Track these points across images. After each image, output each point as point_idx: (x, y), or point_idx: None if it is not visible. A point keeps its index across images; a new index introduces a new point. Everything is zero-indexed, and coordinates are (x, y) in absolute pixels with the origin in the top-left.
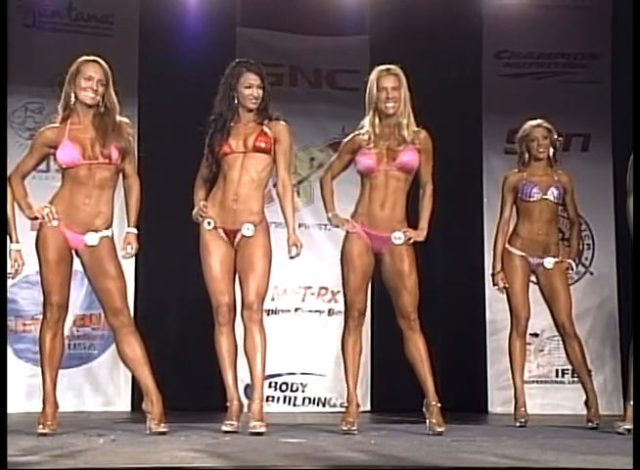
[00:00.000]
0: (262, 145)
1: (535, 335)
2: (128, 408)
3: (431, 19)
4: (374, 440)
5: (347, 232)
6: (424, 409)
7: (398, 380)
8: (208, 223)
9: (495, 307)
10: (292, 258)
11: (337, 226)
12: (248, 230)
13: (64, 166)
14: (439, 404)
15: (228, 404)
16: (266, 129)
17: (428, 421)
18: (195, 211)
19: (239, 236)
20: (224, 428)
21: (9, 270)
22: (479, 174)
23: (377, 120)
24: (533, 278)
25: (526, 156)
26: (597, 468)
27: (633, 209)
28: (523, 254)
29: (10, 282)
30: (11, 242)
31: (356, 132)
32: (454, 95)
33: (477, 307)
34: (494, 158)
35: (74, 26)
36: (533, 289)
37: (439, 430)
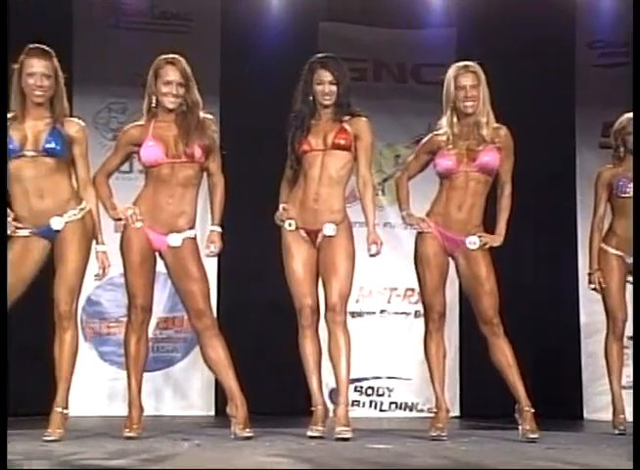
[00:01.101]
0: (342, 142)
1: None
2: (211, 412)
3: (520, 8)
4: (464, 446)
5: (421, 232)
6: (516, 415)
7: (488, 385)
8: (290, 225)
9: (590, 309)
10: (372, 256)
11: (411, 225)
12: (329, 230)
13: (147, 165)
14: (532, 410)
15: (313, 409)
16: (346, 126)
17: (521, 427)
18: (277, 213)
19: (320, 236)
20: (310, 433)
21: (95, 272)
22: (571, 170)
23: (455, 120)
24: (630, 278)
25: (622, 150)
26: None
27: (633, 208)
28: (619, 253)
29: (94, 284)
30: (97, 243)
31: (434, 132)
32: (545, 87)
33: (570, 309)
34: (588, 153)
35: (157, 25)
36: (630, 290)
37: (533, 436)
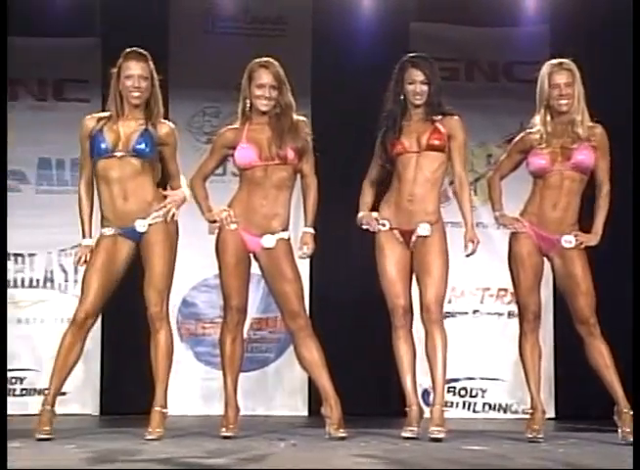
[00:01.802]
0: (436, 143)
1: None
2: (305, 413)
3: (615, 3)
4: (562, 448)
5: (515, 232)
6: (615, 417)
7: (583, 386)
8: (383, 225)
9: None
10: (467, 255)
11: (504, 225)
12: (424, 230)
13: (241, 168)
14: (631, 412)
15: (407, 410)
16: (439, 126)
17: (620, 430)
18: (360, 215)
19: (414, 236)
20: (404, 434)
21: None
22: None
23: (549, 118)
24: None
25: None
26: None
27: (633, 208)
28: None
29: (189, 286)
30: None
31: (527, 131)
32: None
33: None
34: None
35: (250, 29)
36: None
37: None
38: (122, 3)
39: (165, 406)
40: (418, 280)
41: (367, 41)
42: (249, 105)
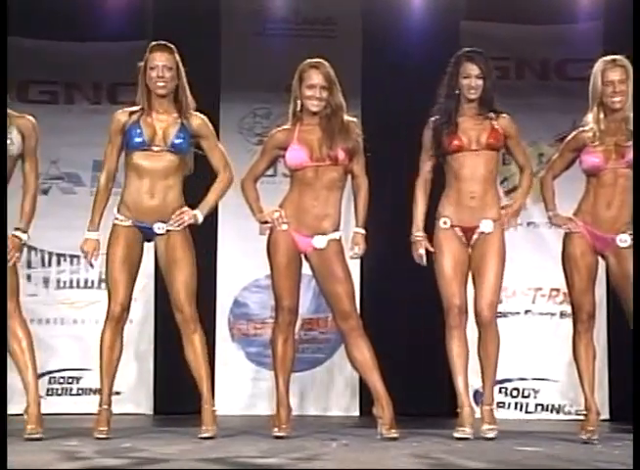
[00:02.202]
0: (495, 143)
1: None
2: (356, 413)
3: None
4: (617, 450)
5: (569, 232)
6: None
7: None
8: (444, 222)
9: None
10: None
11: (558, 226)
12: (487, 226)
13: (292, 169)
14: None
15: (459, 411)
16: (496, 125)
17: None
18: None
19: (476, 234)
20: (456, 435)
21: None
22: None
23: (602, 116)
24: None
25: None
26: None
27: (633, 208)
28: None
29: (240, 286)
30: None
31: (580, 129)
32: None
33: None
34: None
35: (300, 30)
36: None
37: None
38: (174, 6)
39: (214, 404)
40: (474, 279)
41: (417, 41)
42: (299, 106)
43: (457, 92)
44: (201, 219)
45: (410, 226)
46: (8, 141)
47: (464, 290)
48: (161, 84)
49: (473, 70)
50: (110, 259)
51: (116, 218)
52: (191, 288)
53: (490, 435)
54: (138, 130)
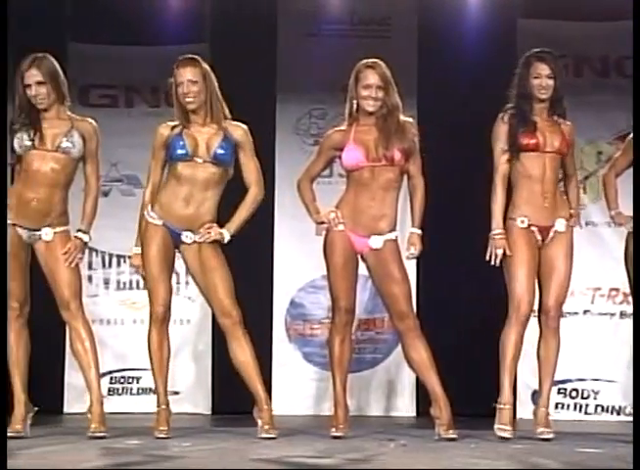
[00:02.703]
0: (565, 148)
1: None
2: (413, 413)
3: None
4: None
5: (631, 230)
6: None
7: None
8: (522, 222)
9: None
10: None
11: (620, 224)
12: (561, 226)
13: (348, 169)
14: None
15: (501, 407)
16: (565, 131)
17: None
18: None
19: (551, 233)
20: (502, 434)
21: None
22: None
23: None
24: None
25: None
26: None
27: (633, 208)
28: None
29: (296, 287)
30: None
31: None
32: None
33: None
34: None
35: (355, 31)
36: None
37: None
38: (230, 8)
39: (271, 404)
40: (543, 278)
41: (473, 40)
42: (355, 106)
43: (529, 92)
44: (227, 238)
45: (467, 225)
46: (69, 144)
47: (534, 289)
48: (189, 100)
49: (543, 69)
50: (146, 260)
51: (150, 216)
52: (233, 292)
53: (545, 436)
54: (181, 142)
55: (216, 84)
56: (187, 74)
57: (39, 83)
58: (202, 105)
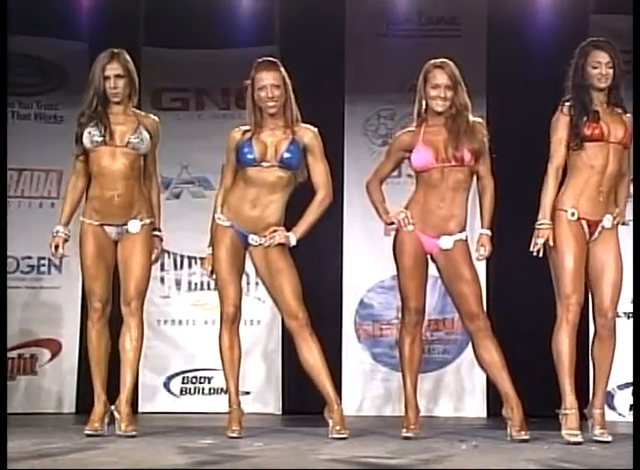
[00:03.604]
0: (627, 140)
1: None
2: (483, 414)
3: None
4: None
5: None
6: None
7: None
8: (572, 214)
9: None
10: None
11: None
12: (608, 222)
13: (417, 170)
14: None
15: (567, 411)
16: (626, 120)
17: None
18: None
19: (599, 227)
20: (572, 439)
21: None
22: None
23: None
24: None
25: None
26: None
27: (633, 207)
28: None
29: (366, 287)
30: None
31: None
32: None
33: None
34: None
35: (424, 31)
36: None
37: None
38: (299, 10)
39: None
40: (595, 277)
41: (544, 38)
42: (424, 106)
43: (586, 82)
44: (293, 242)
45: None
46: (138, 140)
47: (583, 286)
48: (272, 104)
49: (602, 58)
50: (216, 261)
51: (218, 218)
52: (300, 294)
53: (605, 438)
54: (250, 147)
55: (291, 88)
56: (270, 78)
57: (118, 76)
58: (280, 109)
